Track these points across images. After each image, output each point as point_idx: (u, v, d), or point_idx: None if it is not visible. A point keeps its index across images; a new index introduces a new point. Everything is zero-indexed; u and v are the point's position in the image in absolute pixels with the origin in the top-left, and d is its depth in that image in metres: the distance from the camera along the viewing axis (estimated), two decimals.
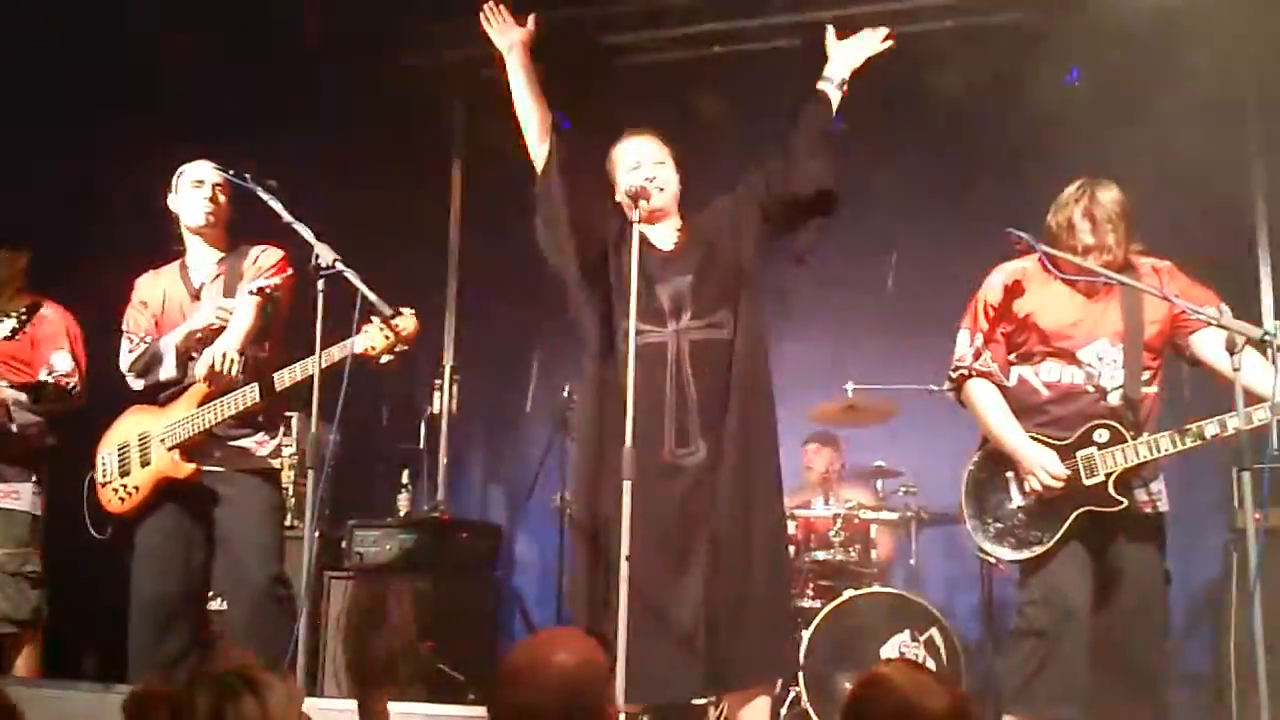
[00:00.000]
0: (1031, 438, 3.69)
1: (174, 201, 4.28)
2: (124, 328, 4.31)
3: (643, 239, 3.68)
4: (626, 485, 3.41)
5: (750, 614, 3.62)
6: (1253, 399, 3.46)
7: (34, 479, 4.60)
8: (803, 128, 3.94)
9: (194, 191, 4.23)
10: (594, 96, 6.29)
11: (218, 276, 4.23)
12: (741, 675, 3.66)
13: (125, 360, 4.26)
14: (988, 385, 3.78)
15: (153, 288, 4.32)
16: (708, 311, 3.76)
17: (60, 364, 4.59)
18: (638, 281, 3.57)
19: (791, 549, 5.50)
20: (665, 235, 3.90)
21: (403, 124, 6.55)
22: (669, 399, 3.68)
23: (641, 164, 3.87)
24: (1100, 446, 3.63)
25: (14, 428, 4.54)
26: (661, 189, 3.83)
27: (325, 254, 3.68)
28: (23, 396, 4.55)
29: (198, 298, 4.21)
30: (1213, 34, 5.38)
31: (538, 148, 3.86)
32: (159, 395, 4.20)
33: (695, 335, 3.75)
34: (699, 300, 3.77)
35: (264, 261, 4.21)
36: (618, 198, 3.89)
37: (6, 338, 4.37)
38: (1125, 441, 3.61)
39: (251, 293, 4.14)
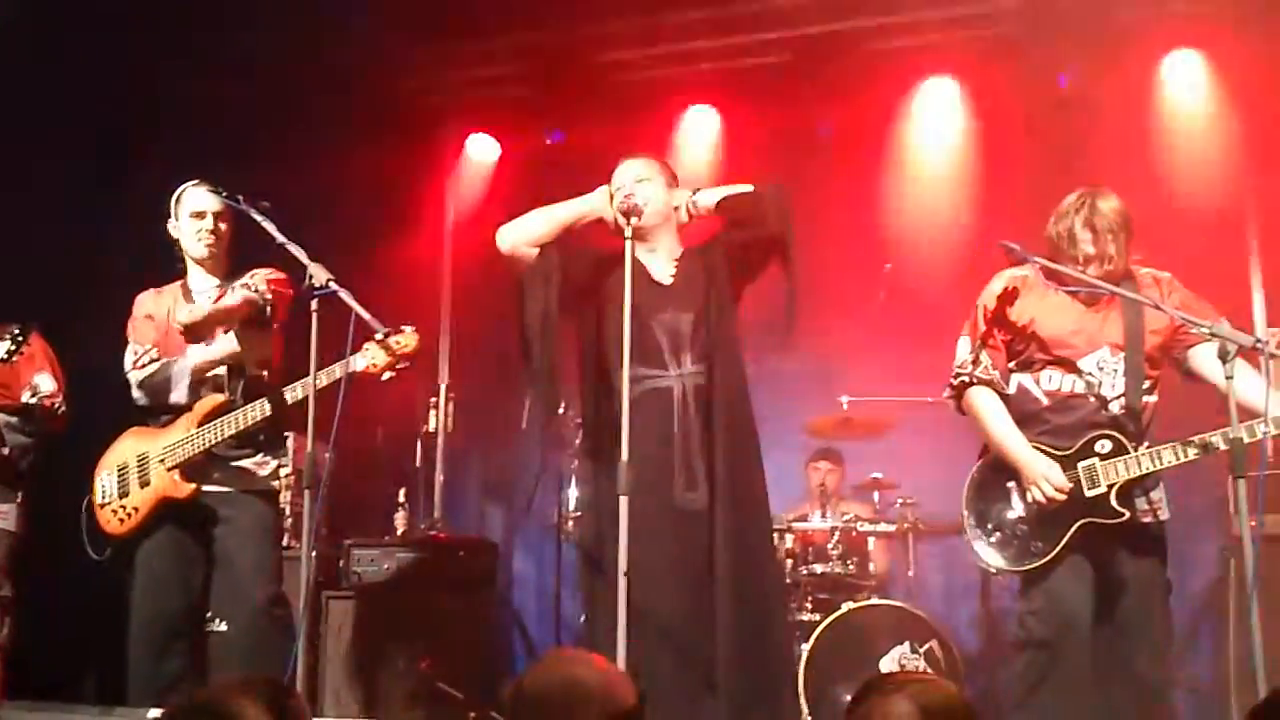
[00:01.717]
0: (1032, 446, 3.69)
1: (174, 227, 4.28)
2: (129, 336, 4.29)
3: (641, 269, 3.68)
4: (623, 501, 3.42)
5: (751, 658, 3.61)
6: (1245, 412, 3.47)
7: (18, 500, 4.61)
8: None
9: (195, 222, 4.22)
10: (589, 112, 6.33)
11: (220, 299, 4.22)
12: None
13: (131, 368, 4.24)
14: (989, 393, 3.77)
15: (155, 305, 4.31)
16: (703, 356, 3.79)
17: (44, 385, 4.60)
18: (631, 319, 3.56)
19: (789, 562, 5.53)
20: (663, 267, 3.90)
21: (396, 146, 6.57)
22: (677, 443, 3.70)
23: (624, 185, 3.87)
24: (1102, 457, 3.62)
25: (5, 450, 4.55)
26: (644, 204, 3.78)
27: (319, 274, 3.69)
28: (13, 420, 4.55)
29: None
30: (1203, 44, 5.43)
31: (538, 244, 3.86)
32: (160, 418, 4.20)
33: (701, 381, 3.77)
34: (696, 342, 3.79)
35: (261, 276, 4.18)
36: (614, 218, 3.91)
37: (1, 360, 4.36)
38: (1127, 453, 3.60)
39: (244, 286, 4.14)
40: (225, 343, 4.16)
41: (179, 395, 4.16)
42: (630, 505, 3.47)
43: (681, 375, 3.75)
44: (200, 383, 4.15)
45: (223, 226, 4.22)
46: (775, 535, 5.49)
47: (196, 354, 4.16)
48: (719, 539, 3.66)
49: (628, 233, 3.68)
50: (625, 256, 3.63)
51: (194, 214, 4.22)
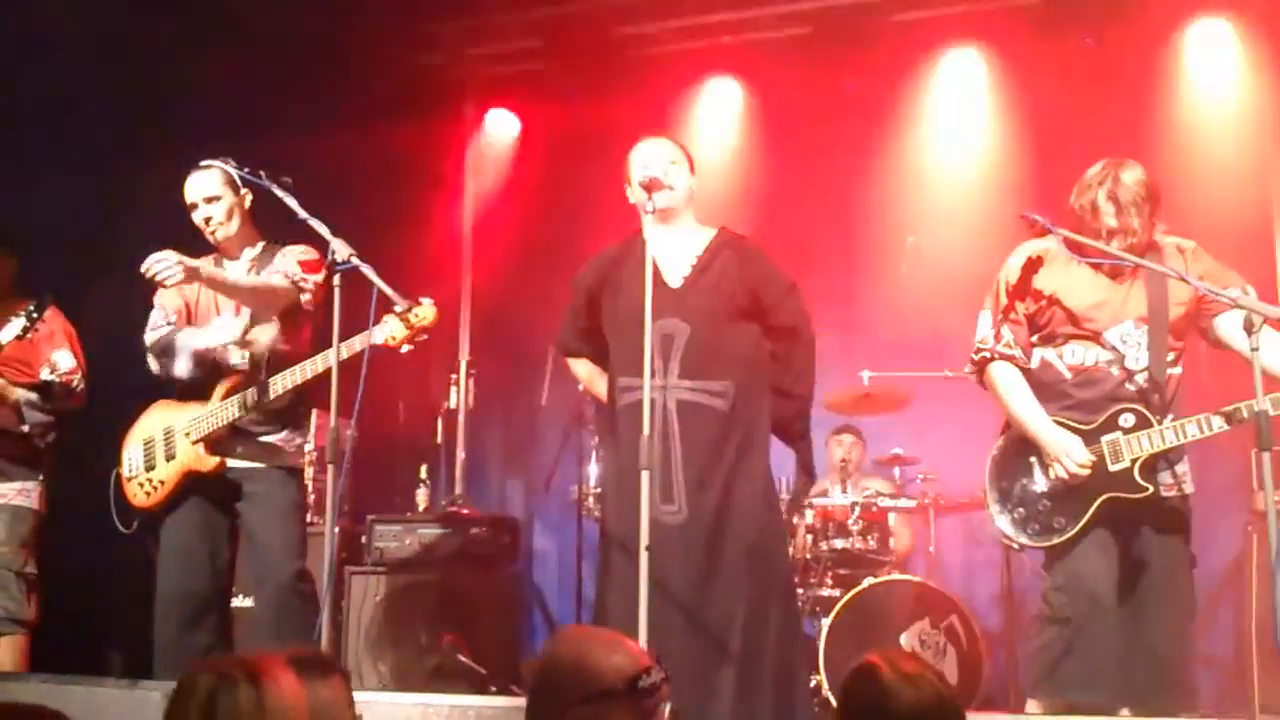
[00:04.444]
0: (1055, 421, 3.67)
1: None
2: (155, 300, 4.26)
3: (653, 264, 3.63)
4: (645, 475, 3.42)
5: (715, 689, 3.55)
6: (1271, 381, 3.44)
7: (40, 478, 4.62)
8: None
9: (193, 214, 4.17)
10: (608, 86, 6.30)
11: (251, 270, 4.21)
12: None
13: (148, 330, 4.22)
14: (1010, 368, 3.74)
15: None
16: (702, 374, 3.73)
17: (63, 362, 4.59)
18: (630, 323, 3.59)
19: (809, 538, 5.54)
20: (677, 264, 3.85)
21: (416, 121, 6.56)
22: (655, 456, 3.57)
23: (649, 166, 3.84)
24: (1126, 431, 3.59)
25: (25, 428, 4.56)
26: (671, 187, 3.79)
27: (341, 249, 3.67)
28: (33, 396, 4.56)
29: None
30: (1229, 8, 5.37)
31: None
32: (182, 390, 4.20)
33: (684, 395, 3.72)
34: (691, 356, 3.74)
35: (294, 256, 4.16)
36: (631, 199, 3.90)
37: (18, 337, 4.35)
38: (1151, 426, 3.57)
39: (281, 273, 4.11)
40: (228, 328, 4.15)
41: (180, 370, 4.14)
42: (618, 516, 3.63)
43: (664, 388, 3.70)
44: (201, 362, 4.13)
45: (217, 210, 4.13)
46: (796, 518, 5.53)
47: (198, 336, 4.16)
48: (699, 554, 3.64)
49: (649, 208, 3.69)
50: (643, 232, 3.65)
51: (189, 205, 4.16)
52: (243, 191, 4.16)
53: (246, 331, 4.15)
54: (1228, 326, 3.64)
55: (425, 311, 3.78)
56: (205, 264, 4.05)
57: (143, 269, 3.84)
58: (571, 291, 4.05)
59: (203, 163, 4.16)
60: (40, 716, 2.09)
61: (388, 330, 3.79)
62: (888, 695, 2.12)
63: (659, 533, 3.46)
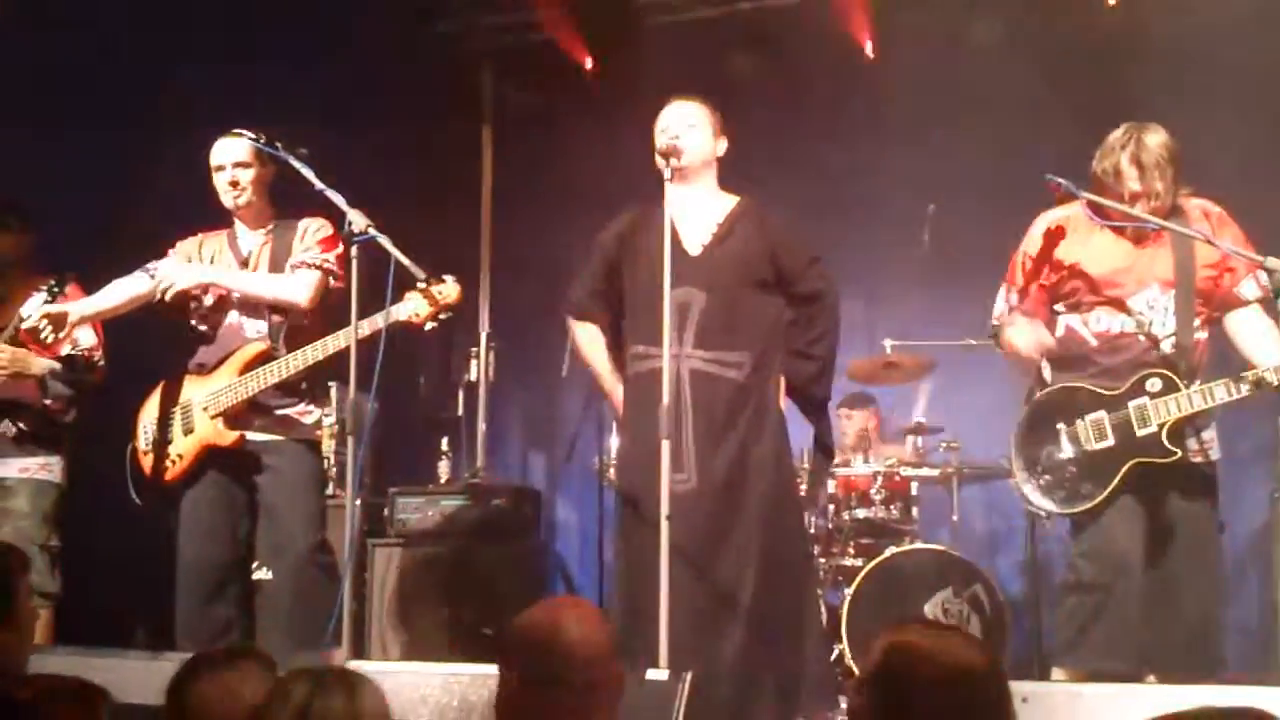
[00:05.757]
0: (1082, 388, 3.64)
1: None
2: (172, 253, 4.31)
3: (673, 233, 3.63)
4: (665, 445, 3.42)
5: (728, 660, 3.57)
6: None
7: (62, 453, 4.65)
8: None
9: (217, 175, 4.19)
10: (625, 55, 6.26)
11: (265, 245, 4.23)
12: None
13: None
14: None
15: (196, 250, 4.31)
16: (718, 345, 3.73)
17: (84, 338, 4.61)
18: (647, 293, 3.62)
19: (832, 507, 5.53)
20: (697, 234, 3.84)
21: (433, 91, 6.54)
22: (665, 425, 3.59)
23: (668, 128, 3.83)
24: (1153, 396, 3.56)
25: (47, 401, 4.58)
26: (684, 150, 3.77)
27: (358, 220, 3.67)
28: (57, 367, 4.57)
29: (246, 265, 4.22)
30: None
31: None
32: (200, 365, 4.21)
33: (698, 365, 3.71)
34: (707, 325, 3.73)
35: (312, 237, 4.18)
36: (659, 164, 3.87)
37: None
38: (1178, 391, 3.54)
39: (306, 265, 4.13)
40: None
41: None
42: (630, 484, 3.65)
43: (677, 357, 3.67)
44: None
45: (244, 176, 4.16)
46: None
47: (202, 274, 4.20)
48: (708, 521, 3.65)
49: (667, 174, 3.68)
50: (664, 197, 3.63)
51: (215, 167, 4.18)
52: (269, 165, 4.16)
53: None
54: (1237, 325, 3.63)
55: (449, 289, 3.78)
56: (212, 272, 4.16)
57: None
58: (592, 252, 4.01)
59: (234, 130, 4.16)
60: (78, 690, 2.11)
61: (411, 307, 3.79)
62: (951, 668, 1.94)
63: (668, 501, 3.45)
